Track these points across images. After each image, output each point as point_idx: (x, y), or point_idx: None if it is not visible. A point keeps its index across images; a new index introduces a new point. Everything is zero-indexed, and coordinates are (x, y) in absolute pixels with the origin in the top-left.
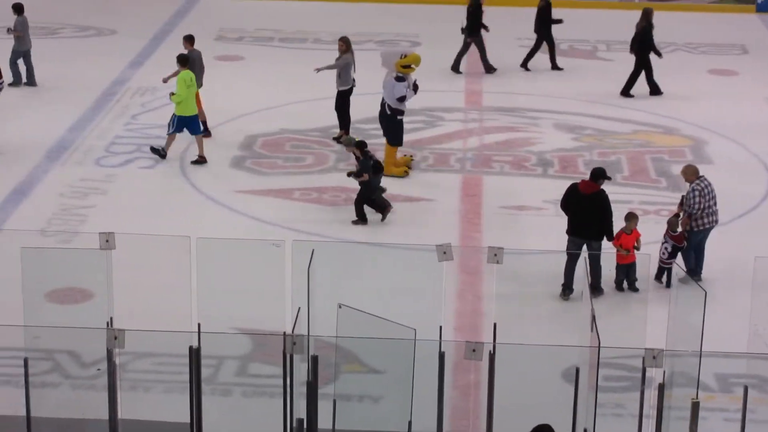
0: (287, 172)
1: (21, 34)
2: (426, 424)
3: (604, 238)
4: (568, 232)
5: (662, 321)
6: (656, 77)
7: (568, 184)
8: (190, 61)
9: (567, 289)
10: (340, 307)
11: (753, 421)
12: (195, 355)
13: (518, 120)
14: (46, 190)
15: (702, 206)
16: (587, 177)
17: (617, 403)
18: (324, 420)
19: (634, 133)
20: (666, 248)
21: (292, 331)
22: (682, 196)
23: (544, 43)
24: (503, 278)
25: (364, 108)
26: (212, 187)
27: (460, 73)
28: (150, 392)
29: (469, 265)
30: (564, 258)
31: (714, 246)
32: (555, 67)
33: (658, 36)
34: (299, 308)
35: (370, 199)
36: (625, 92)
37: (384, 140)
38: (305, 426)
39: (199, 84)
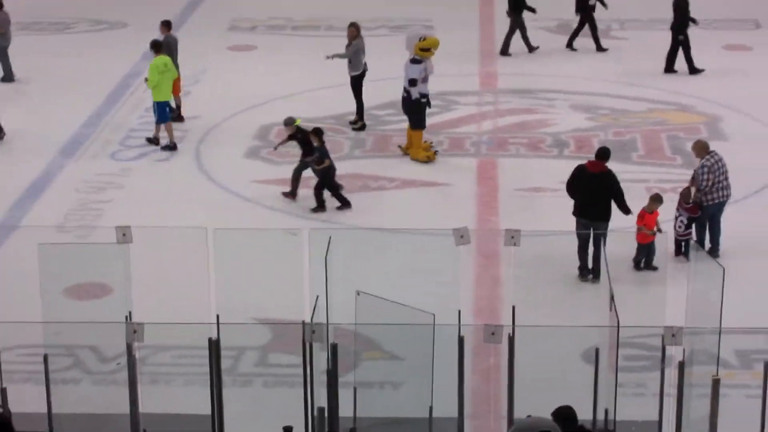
0: None
1: (3, 30)
2: (447, 409)
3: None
4: (575, 213)
5: (681, 299)
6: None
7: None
8: (165, 46)
9: (585, 270)
10: (358, 294)
11: None
12: (214, 346)
13: (533, 101)
14: (62, 186)
15: (712, 181)
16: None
17: (638, 383)
18: (345, 408)
19: (649, 112)
20: (682, 221)
21: (311, 320)
22: (694, 171)
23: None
24: (521, 261)
25: (378, 93)
26: (228, 177)
27: (509, 55)
28: (170, 385)
29: (486, 249)
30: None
31: (731, 221)
32: (599, 48)
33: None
34: (317, 296)
35: (333, 188)
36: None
37: (403, 126)
38: (326, 414)
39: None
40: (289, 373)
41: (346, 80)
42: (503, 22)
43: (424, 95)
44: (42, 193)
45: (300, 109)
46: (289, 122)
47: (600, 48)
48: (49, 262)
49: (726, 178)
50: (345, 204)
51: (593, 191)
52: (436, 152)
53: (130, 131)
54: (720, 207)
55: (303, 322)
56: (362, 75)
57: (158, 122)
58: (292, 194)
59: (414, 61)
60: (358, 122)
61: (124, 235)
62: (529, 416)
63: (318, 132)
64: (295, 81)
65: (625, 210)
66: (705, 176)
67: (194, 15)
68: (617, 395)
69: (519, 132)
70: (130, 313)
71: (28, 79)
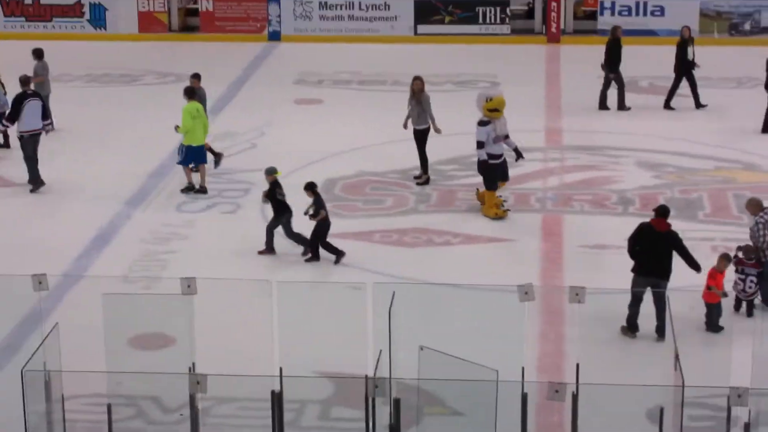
0: (367, 215)
1: (42, 79)
2: None
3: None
4: (638, 271)
5: (747, 358)
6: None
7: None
8: (197, 96)
9: (634, 327)
10: (421, 349)
11: None
12: (277, 399)
13: (599, 158)
14: (128, 236)
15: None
16: (672, 213)
17: None
18: None
19: (716, 170)
20: (752, 280)
21: (374, 374)
22: (750, 229)
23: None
24: (585, 318)
25: (443, 148)
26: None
27: (608, 109)
28: None
29: (550, 305)
30: (646, 297)
31: None
32: (698, 105)
33: (740, 71)
34: (380, 351)
35: (326, 242)
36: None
37: (468, 182)
38: None
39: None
40: (352, 428)
41: (411, 135)
42: (569, 78)
43: (496, 156)
44: (108, 243)
45: (365, 163)
46: (271, 171)
47: (699, 105)
48: (114, 312)
49: None
50: (339, 254)
51: (659, 249)
52: (506, 210)
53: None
54: None
55: (366, 377)
56: (428, 129)
57: (185, 164)
58: (268, 251)
59: (481, 123)
60: (423, 176)
61: (188, 286)
62: None
63: (311, 186)
64: (361, 135)
65: (696, 267)
66: (761, 232)
67: (261, 68)
68: None
69: (584, 189)
70: (193, 364)
71: (96, 130)
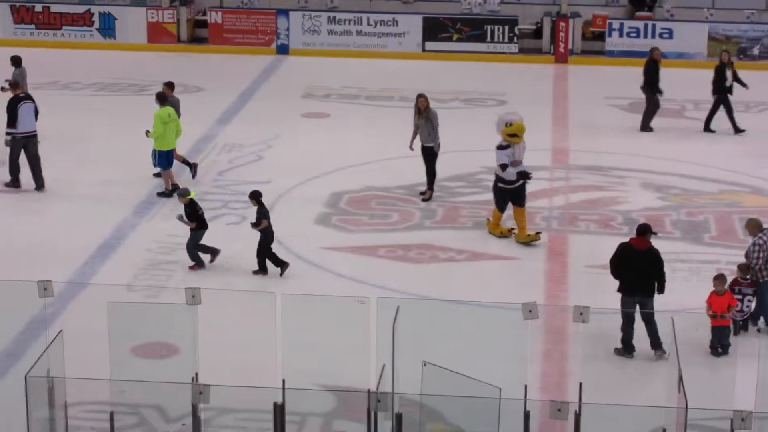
0: (373, 229)
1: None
2: None
3: (656, 294)
4: (623, 291)
5: (752, 381)
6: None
7: (656, 244)
8: (168, 101)
9: (630, 347)
10: (424, 364)
11: None
12: (279, 411)
13: (605, 179)
14: (134, 245)
15: (764, 259)
16: (677, 236)
17: None
18: None
19: (722, 193)
20: (749, 300)
21: (377, 389)
22: (747, 249)
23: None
24: (589, 337)
25: (449, 165)
26: (297, 243)
27: (651, 130)
28: None
29: (554, 324)
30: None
31: None
32: (737, 130)
33: (748, 95)
34: (384, 365)
35: (270, 252)
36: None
37: (473, 199)
38: None
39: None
40: None
41: (417, 150)
42: (576, 98)
43: (510, 181)
44: (114, 251)
45: (371, 178)
46: (184, 194)
47: (737, 130)
48: (118, 321)
49: None
50: (283, 265)
51: (640, 268)
52: (512, 230)
53: (203, 194)
54: None
55: (368, 391)
56: (437, 146)
57: (162, 168)
58: (198, 265)
59: (500, 147)
60: (428, 192)
61: (193, 296)
62: None
63: (254, 195)
64: (367, 149)
65: (661, 290)
66: (756, 254)
67: (269, 81)
68: None
69: (590, 209)
70: (196, 374)
71: (104, 138)
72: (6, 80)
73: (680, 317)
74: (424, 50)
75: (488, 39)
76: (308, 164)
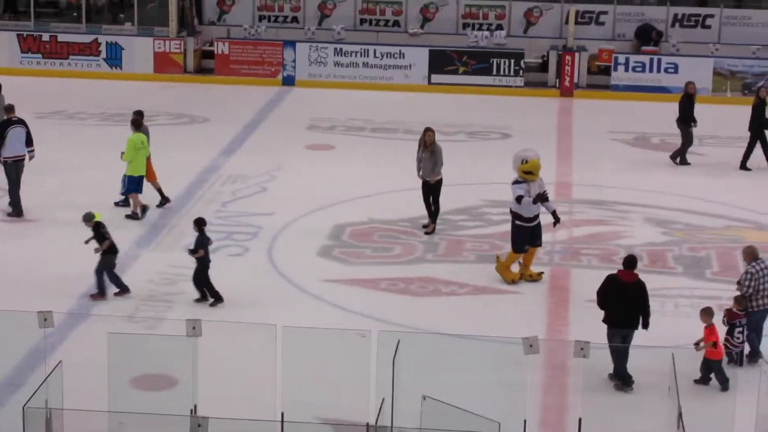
0: (375, 262)
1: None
2: None
3: (639, 326)
4: (610, 323)
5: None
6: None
7: (658, 279)
8: (143, 128)
9: (628, 381)
10: (424, 398)
11: None
12: None
13: (607, 213)
14: (135, 276)
15: (755, 288)
16: (679, 271)
17: None
18: None
19: (726, 229)
20: (741, 331)
21: (376, 422)
22: (740, 277)
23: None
24: (589, 372)
25: (453, 198)
26: (299, 275)
27: (689, 163)
28: None
29: (555, 359)
30: (648, 353)
31: None
32: None
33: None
34: (383, 399)
35: (207, 281)
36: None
37: (475, 232)
38: None
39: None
40: None
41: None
42: (581, 132)
43: (527, 218)
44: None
45: (374, 211)
46: (88, 218)
47: None
48: (118, 352)
49: None
50: (217, 298)
51: (627, 301)
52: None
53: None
54: (764, 314)
55: (367, 425)
56: (440, 180)
57: (128, 193)
58: (101, 295)
59: (516, 182)
60: (430, 225)
61: (194, 328)
62: None
63: (197, 222)
64: (371, 182)
65: (645, 325)
66: (747, 282)
67: (274, 112)
68: None
69: (592, 243)
70: (195, 406)
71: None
72: None
73: (680, 352)
74: (429, 83)
75: (494, 72)
76: (311, 196)
